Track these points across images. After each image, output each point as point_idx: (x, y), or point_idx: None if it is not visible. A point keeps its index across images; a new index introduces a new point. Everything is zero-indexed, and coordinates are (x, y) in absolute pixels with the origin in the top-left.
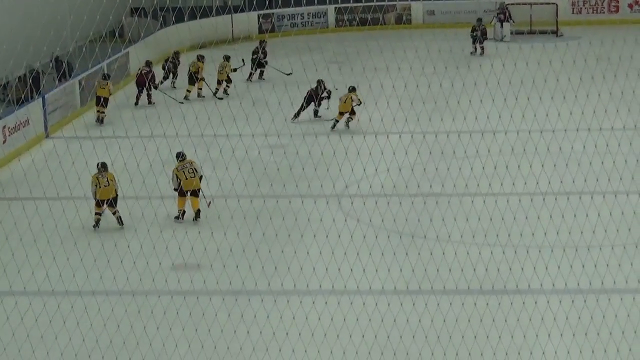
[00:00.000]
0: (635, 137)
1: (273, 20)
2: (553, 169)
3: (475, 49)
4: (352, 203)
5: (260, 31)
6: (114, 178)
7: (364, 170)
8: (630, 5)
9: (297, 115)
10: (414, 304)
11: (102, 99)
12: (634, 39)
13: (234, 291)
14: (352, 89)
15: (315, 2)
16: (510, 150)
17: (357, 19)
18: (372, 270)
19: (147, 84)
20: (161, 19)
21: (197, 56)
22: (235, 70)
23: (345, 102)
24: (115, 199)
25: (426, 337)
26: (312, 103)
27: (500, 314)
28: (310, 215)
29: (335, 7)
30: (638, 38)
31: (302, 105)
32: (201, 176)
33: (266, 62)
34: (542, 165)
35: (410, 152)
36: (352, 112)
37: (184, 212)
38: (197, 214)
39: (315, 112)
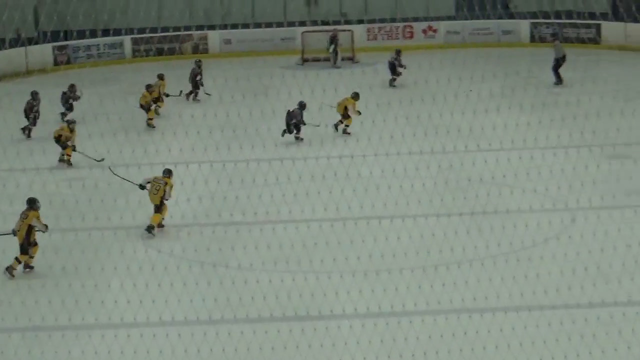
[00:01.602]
0: (432, 161)
1: (68, 52)
2: (352, 194)
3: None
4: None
5: (56, 63)
6: (32, 218)
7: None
8: (424, 31)
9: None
10: (217, 334)
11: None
12: (429, 64)
13: (34, 327)
14: (355, 96)
15: (111, 32)
16: (310, 177)
17: (154, 49)
18: (175, 301)
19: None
20: None
21: (146, 86)
22: (168, 95)
23: (340, 104)
24: (22, 245)
25: None
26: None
27: (304, 340)
28: (110, 248)
29: (132, 38)
30: (432, 63)
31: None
32: None
33: (202, 84)
34: (342, 191)
35: (210, 181)
36: (345, 117)
37: None
38: None
39: (297, 137)
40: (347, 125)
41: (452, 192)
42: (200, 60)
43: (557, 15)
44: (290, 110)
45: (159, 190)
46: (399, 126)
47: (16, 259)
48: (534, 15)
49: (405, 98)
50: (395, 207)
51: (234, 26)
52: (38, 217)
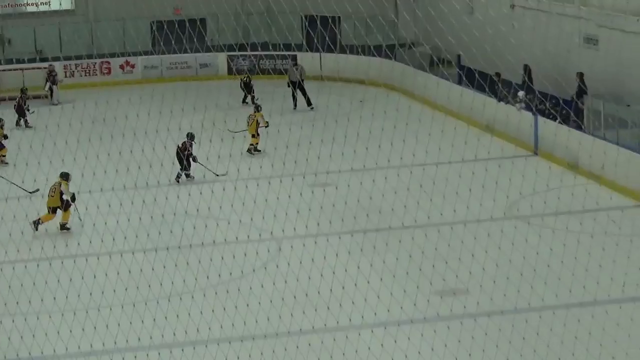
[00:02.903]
0: (137, 196)
1: None
2: (63, 232)
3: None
4: None
5: None
6: None
7: None
8: (121, 67)
9: (178, 176)
10: None
11: None
12: (128, 98)
13: None
14: (258, 109)
15: None
16: (25, 216)
17: None
18: None
19: None
20: None
21: None
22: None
23: (250, 125)
24: None
25: None
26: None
27: None
28: None
29: None
30: (131, 98)
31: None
32: None
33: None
34: (56, 228)
35: None
36: (253, 136)
37: None
38: None
39: (187, 175)
40: (253, 144)
41: (158, 226)
42: (26, 89)
43: (254, 47)
44: (179, 145)
45: (55, 192)
46: (101, 163)
47: None
48: (230, 47)
49: (105, 134)
50: (101, 244)
51: None
52: None
